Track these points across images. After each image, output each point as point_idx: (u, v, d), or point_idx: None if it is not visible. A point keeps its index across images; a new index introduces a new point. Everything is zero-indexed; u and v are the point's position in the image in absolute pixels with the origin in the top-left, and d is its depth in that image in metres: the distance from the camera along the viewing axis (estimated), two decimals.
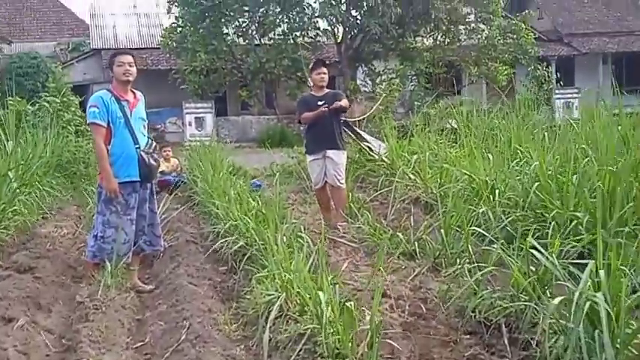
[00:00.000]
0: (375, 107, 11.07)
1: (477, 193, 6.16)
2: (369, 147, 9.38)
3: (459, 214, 5.23)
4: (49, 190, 8.59)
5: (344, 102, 6.89)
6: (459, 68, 23.12)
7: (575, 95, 20.48)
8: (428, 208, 7.16)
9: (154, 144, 5.34)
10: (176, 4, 21.60)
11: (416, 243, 5.49)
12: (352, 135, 9.26)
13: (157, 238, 5.42)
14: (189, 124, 21.00)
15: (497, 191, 5.64)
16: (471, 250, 4.73)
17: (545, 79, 20.30)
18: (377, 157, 9.20)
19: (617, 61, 26.98)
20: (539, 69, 20.43)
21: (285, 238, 4.90)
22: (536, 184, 5.29)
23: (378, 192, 7.94)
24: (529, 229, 4.38)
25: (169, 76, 21.37)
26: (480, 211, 5.42)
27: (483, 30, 20.82)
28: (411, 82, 22.58)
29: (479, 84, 23.67)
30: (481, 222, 5.31)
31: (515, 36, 20.70)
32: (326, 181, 6.95)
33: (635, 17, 27.69)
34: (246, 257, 5.11)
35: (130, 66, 5.11)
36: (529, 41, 20.83)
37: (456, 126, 11.30)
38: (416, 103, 17.87)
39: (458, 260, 4.82)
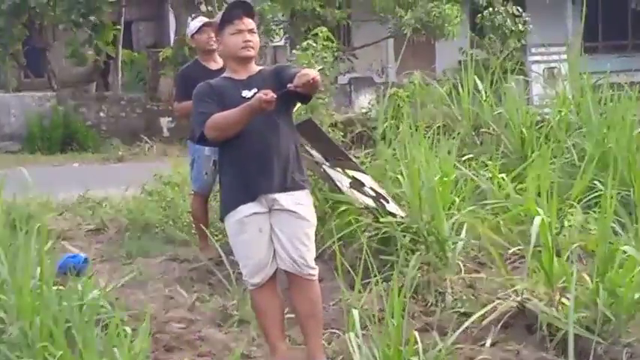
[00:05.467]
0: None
1: None
2: (357, 181, 6.55)
3: None
4: None
5: (310, 73, 4.80)
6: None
7: (563, 56, 18.80)
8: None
9: None
10: None
11: None
12: (315, 154, 6.58)
13: None
14: None
15: None
16: None
17: (512, 30, 18.61)
18: (384, 209, 6.36)
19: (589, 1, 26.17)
20: (500, 12, 18.68)
21: None
22: None
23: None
24: None
25: None
26: None
27: None
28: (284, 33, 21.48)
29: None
30: None
31: None
32: (276, 269, 5.09)
33: None
34: None
35: None
36: None
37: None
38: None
39: None
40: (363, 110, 10.00)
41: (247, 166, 4.94)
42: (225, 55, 5.20)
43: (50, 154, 17.22)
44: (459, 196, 6.38)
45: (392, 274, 5.88)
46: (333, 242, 6.34)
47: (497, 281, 5.55)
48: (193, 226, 7.88)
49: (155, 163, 14.36)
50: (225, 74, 5.16)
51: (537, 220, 5.14)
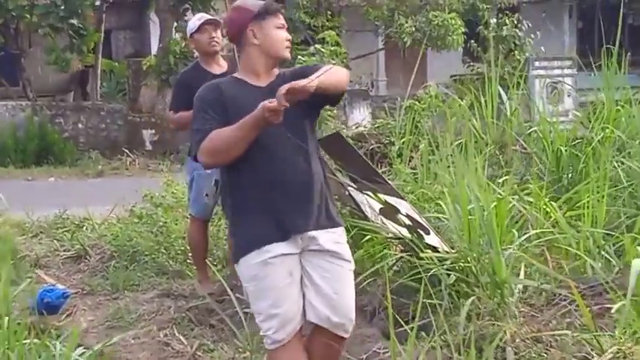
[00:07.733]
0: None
1: None
2: (390, 206, 5.57)
3: None
4: None
5: (333, 69, 4.12)
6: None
7: (567, 70, 18.13)
8: None
9: None
10: None
11: None
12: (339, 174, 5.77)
13: None
14: None
15: None
16: None
17: (515, 42, 18.03)
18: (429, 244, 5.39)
19: (585, 15, 26.23)
20: (506, 24, 18.08)
21: None
22: None
23: None
24: None
25: None
26: None
27: None
28: None
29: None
30: None
31: None
32: (301, 326, 4.24)
33: None
34: None
35: None
36: None
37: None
38: None
39: None
40: (376, 125, 9.05)
41: (276, 198, 4.08)
42: (260, 52, 4.13)
43: (24, 167, 16.52)
44: (514, 227, 5.40)
45: (431, 321, 4.95)
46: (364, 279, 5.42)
47: (576, 337, 4.51)
48: (190, 255, 6.90)
49: (137, 179, 13.54)
50: (237, 75, 4.18)
51: (638, 263, 4.16)
